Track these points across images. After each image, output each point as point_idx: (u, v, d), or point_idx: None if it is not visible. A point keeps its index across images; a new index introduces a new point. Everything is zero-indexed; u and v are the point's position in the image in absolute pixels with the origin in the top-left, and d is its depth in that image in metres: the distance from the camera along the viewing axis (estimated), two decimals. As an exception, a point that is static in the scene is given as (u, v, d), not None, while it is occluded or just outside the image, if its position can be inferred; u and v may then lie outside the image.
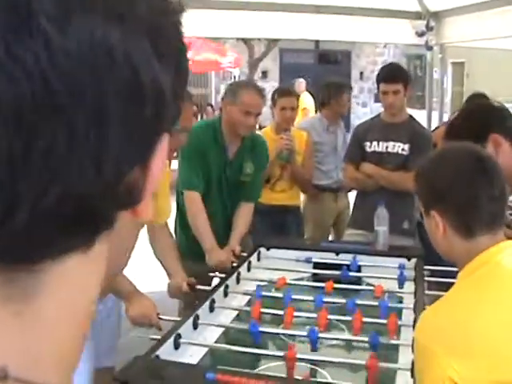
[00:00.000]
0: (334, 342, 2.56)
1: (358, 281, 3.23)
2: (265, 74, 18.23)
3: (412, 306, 2.66)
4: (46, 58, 0.37)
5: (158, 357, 2.15)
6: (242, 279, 3.16)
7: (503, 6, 4.69)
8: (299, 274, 3.28)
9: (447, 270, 2.44)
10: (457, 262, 1.63)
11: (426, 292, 2.90)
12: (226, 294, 2.92)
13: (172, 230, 3.60)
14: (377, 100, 4.54)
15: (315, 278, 3.28)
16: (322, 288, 2.98)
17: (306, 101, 11.42)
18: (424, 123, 5.27)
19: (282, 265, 3.35)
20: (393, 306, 2.75)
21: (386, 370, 2.27)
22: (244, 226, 3.58)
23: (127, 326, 2.78)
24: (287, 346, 2.51)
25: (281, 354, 2.38)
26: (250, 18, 5.62)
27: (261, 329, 2.44)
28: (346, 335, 2.60)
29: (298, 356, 2.35)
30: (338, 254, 3.46)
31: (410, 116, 4.24)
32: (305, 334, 2.41)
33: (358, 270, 3.31)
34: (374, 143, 4.14)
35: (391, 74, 4.08)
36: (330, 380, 2.23)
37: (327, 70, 15.49)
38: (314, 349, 2.37)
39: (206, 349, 2.42)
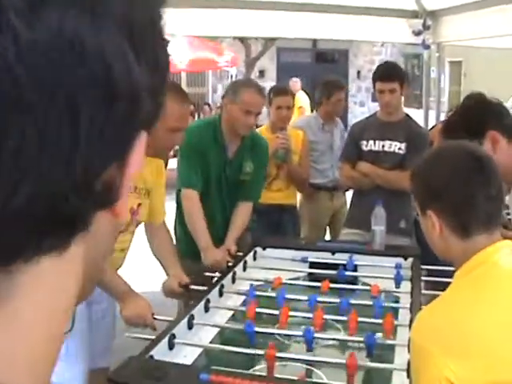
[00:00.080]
0: (330, 342, 2.55)
1: (355, 280, 3.22)
2: (262, 74, 18.21)
3: (408, 305, 2.65)
4: (15, 54, 0.36)
5: (152, 357, 2.14)
6: (237, 279, 3.14)
7: (500, 4, 4.68)
8: (295, 274, 3.27)
9: (444, 269, 2.43)
10: (453, 261, 1.61)
11: (423, 292, 2.89)
12: (221, 294, 2.90)
13: (172, 228, 3.59)
14: (374, 99, 4.55)
15: (311, 277, 3.27)
16: (318, 288, 2.96)
17: (302, 100, 11.43)
18: (421, 122, 5.26)
19: (277, 264, 3.34)
20: (388, 305, 2.73)
21: (382, 371, 2.27)
22: (241, 226, 3.57)
23: (122, 327, 2.77)
24: (284, 346, 2.51)
25: (261, 352, 2.37)
26: (247, 17, 5.60)
27: (256, 329, 2.42)
28: (342, 335, 2.58)
29: (294, 356, 2.34)
30: (334, 253, 3.45)
31: (407, 115, 4.23)
32: (300, 333, 2.40)
33: (355, 269, 3.30)
34: (371, 142, 4.12)
35: (387, 73, 4.07)
36: (325, 380, 2.22)
37: (324, 69, 15.45)
38: (310, 349, 2.35)
39: (200, 349, 2.41)
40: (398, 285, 3.05)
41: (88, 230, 0.44)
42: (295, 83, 12.01)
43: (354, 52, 19.25)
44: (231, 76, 14.55)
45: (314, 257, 3.43)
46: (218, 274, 3.11)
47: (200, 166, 3.44)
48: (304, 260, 3.41)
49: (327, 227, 5.03)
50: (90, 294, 0.54)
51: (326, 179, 4.84)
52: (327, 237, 5.02)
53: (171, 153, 8.29)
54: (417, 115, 4.92)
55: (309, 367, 2.29)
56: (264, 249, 3.55)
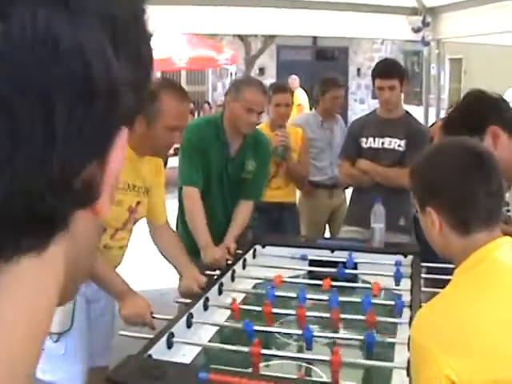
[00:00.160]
0: (330, 340, 2.53)
1: (354, 278, 3.21)
2: (262, 71, 18.20)
3: (408, 303, 2.64)
4: None
5: (150, 356, 2.13)
6: (236, 277, 3.13)
7: (499, 1, 4.67)
8: (295, 272, 3.26)
9: (444, 266, 2.42)
10: (453, 258, 1.60)
11: (423, 289, 2.87)
12: (220, 292, 2.89)
13: (174, 226, 3.59)
14: (374, 96, 4.53)
15: (311, 275, 3.26)
16: (320, 286, 2.95)
17: (301, 97, 11.42)
18: (421, 120, 5.24)
19: (277, 262, 3.33)
20: (375, 302, 2.70)
21: (382, 369, 2.25)
22: (241, 224, 3.55)
23: (121, 325, 2.75)
24: (283, 344, 2.50)
25: (277, 352, 2.37)
26: (247, 15, 5.59)
27: (255, 327, 2.41)
28: (341, 334, 2.57)
29: (294, 355, 2.33)
30: (333, 251, 3.44)
31: (407, 112, 4.21)
32: (299, 332, 2.39)
33: (354, 267, 3.28)
34: (370, 139, 4.11)
35: (386, 70, 4.05)
36: (325, 379, 2.21)
37: (324, 67, 15.44)
38: (309, 347, 2.34)
39: (199, 348, 2.40)
40: (397, 282, 3.04)
41: (68, 230, 0.43)
42: (294, 80, 12.01)
43: (354, 49, 19.23)
44: (231, 74, 14.53)
45: (313, 255, 3.42)
46: (218, 273, 3.10)
47: (201, 163, 3.43)
48: (303, 258, 3.40)
49: (326, 225, 5.02)
50: (74, 294, 0.53)
51: (324, 176, 4.82)
52: (327, 234, 5.01)
53: (171, 151, 8.30)
54: (417, 112, 4.91)
55: (308, 366, 2.28)
56: (263, 247, 3.54)
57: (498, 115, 2.17)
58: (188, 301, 2.68)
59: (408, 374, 1.85)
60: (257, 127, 3.69)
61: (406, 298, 2.75)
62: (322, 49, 19.47)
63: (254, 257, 3.48)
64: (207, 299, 2.71)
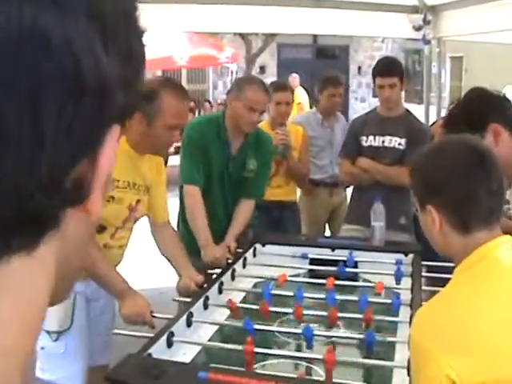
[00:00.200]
0: (330, 339, 2.53)
1: (355, 277, 3.20)
2: (262, 70, 18.18)
3: (409, 301, 2.63)
4: None
5: (150, 355, 2.12)
6: (237, 276, 3.13)
7: (500, -1, 4.67)
8: (295, 271, 3.25)
9: (445, 265, 2.41)
10: (453, 257, 1.59)
11: (424, 288, 2.87)
12: (220, 291, 2.89)
13: (175, 225, 3.58)
14: (375, 95, 4.52)
15: (311, 274, 3.26)
16: (320, 284, 2.94)
17: (301, 96, 11.41)
18: (422, 118, 5.23)
19: (277, 261, 3.32)
20: (372, 300, 2.70)
21: (383, 368, 2.25)
22: (242, 223, 3.54)
23: (122, 324, 2.75)
24: (283, 343, 2.50)
25: (273, 351, 2.37)
26: (247, 13, 5.58)
27: (255, 326, 2.41)
28: (341, 333, 2.57)
29: (293, 354, 2.33)
30: (334, 249, 3.43)
31: (407, 110, 4.21)
32: (300, 331, 2.38)
33: (355, 265, 3.28)
34: (371, 137, 4.10)
35: (387, 68, 4.05)
36: (324, 378, 2.20)
37: (325, 65, 15.42)
38: (309, 346, 2.33)
39: (199, 347, 2.39)
40: (398, 281, 3.03)
41: (59, 229, 0.42)
42: (294, 79, 12.00)
43: (355, 48, 19.22)
44: (232, 72, 14.52)
45: (314, 253, 3.41)
46: (219, 272, 3.09)
47: (202, 162, 3.42)
48: (304, 256, 3.39)
49: (327, 223, 5.02)
50: (67, 293, 0.53)
51: (325, 175, 4.82)
52: (327, 233, 5.00)
53: (172, 149, 8.29)
54: (418, 111, 4.90)
55: (308, 365, 2.27)
56: (264, 245, 3.53)
57: (499, 113, 2.17)
58: (187, 299, 2.68)
59: (408, 374, 1.84)
60: (258, 126, 3.68)
61: (407, 296, 2.74)
62: (322, 47, 19.45)
63: (255, 255, 3.47)
64: (207, 298, 2.71)
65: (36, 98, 0.36)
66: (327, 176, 4.82)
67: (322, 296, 2.71)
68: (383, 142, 4.06)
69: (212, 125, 3.50)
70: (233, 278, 3.10)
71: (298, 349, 2.45)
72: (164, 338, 2.25)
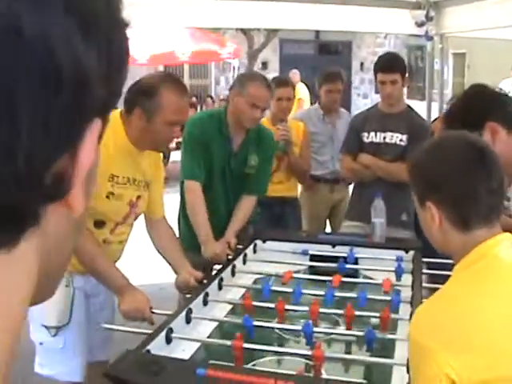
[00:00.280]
0: (330, 336, 2.52)
1: (355, 273, 3.19)
2: (265, 65, 18.16)
3: (409, 298, 2.62)
4: None
5: (149, 351, 2.11)
6: (237, 272, 3.12)
7: (503, -5, 4.65)
8: (296, 267, 3.24)
9: (446, 262, 2.40)
10: (452, 254, 1.58)
11: (424, 285, 2.86)
12: (220, 287, 2.88)
13: (176, 221, 3.57)
14: (377, 91, 4.48)
15: (312, 270, 3.25)
16: (325, 281, 2.94)
17: (301, 91, 11.39)
18: (424, 114, 5.22)
19: (278, 257, 3.31)
20: (371, 297, 2.68)
21: (382, 365, 2.24)
22: (242, 219, 3.53)
23: (122, 320, 2.74)
24: (282, 340, 2.49)
25: (276, 348, 2.36)
26: (249, 8, 5.57)
27: (255, 323, 2.40)
28: (341, 330, 2.56)
29: (293, 351, 2.32)
30: (334, 246, 3.42)
31: (408, 106, 4.19)
32: (299, 328, 2.37)
33: (355, 262, 3.27)
34: (372, 134, 4.09)
35: (388, 64, 4.03)
36: (325, 375, 2.19)
37: (328, 61, 15.39)
38: (309, 343, 2.32)
39: (199, 343, 2.39)
40: (398, 278, 3.02)
41: (39, 225, 0.41)
42: (295, 75, 11.95)
43: (358, 44, 19.18)
44: (234, 68, 14.50)
45: (314, 249, 3.40)
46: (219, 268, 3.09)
47: (203, 157, 3.41)
48: (304, 253, 3.39)
49: (327, 219, 5.00)
50: (51, 291, 0.52)
51: (325, 171, 4.80)
52: (328, 229, 4.99)
53: (173, 145, 8.28)
54: (420, 107, 4.88)
55: (308, 362, 2.26)
56: (264, 242, 3.52)
57: (498, 111, 2.15)
58: (168, 312, 2.63)
59: (408, 371, 1.83)
60: (260, 122, 3.67)
61: (407, 293, 2.74)
62: (325, 43, 19.41)
63: (255, 252, 3.47)
64: (207, 294, 2.70)
65: (10, 90, 0.35)
66: (328, 172, 4.80)
67: (322, 293, 2.70)
68: (384, 138, 4.05)
69: (213, 120, 3.49)
70: (233, 274, 3.09)
71: (298, 346, 2.44)
72: (163, 334, 2.24)
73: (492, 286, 1.48)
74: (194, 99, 14.23)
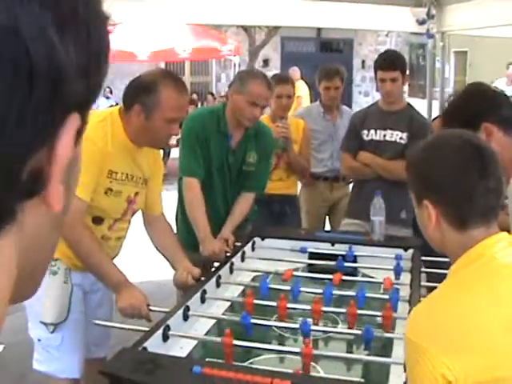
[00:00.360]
0: (328, 334, 2.51)
1: (354, 271, 3.19)
2: (266, 63, 18.15)
3: (408, 297, 2.62)
4: None
5: (145, 349, 2.11)
6: (235, 269, 3.11)
7: (505, -7, 4.63)
8: (294, 265, 3.23)
9: (446, 260, 2.39)
10: (449, 254, 1.57)
11: (423, 283, 2.85)
12: (218, 285, 2.87)
13: (173, 217, 3.56)
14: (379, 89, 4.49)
15: (310, 268, 3.24)
16: (323, 279, 2.93)
17: (301, 89, 11.36)
18: (425, 113, 5.21)
19: (276, 255, 3.30)
20: (369, 296, 2.67)
21: (380, 364, 2.23)
22: (240, 217, 3.52)
23: (120, 317, 2.73)
24: (280, 338, 2.48)
25: (273, 347, 2.36)
26: (251, 5, 5.56)
27: (253, 321, 2.39)
28: (340, 328, 2.55)
29: (291, 349, 2.31)
30: (333, 244, 3.41)
31: (409, 104, 4.19)
32: (297, 326, 2.37)
33: (354, 260, 3.26)
34: (372, 131, 4.08)
35: (388, 62, 4.02)
36: (322, 374, 2.19)
37: (329, 59, 15.34)
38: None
39: (196, 341, 2.38)
40: (397, 276, 3.01)
41: (16, 223, 0.40)
42: (295, 72, 11.92)
43: (359, 41, 19.15)
44: (235, 65, 14.47)
45: (313, 247, 3.40)
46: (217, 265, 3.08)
47: (202, 154, 3.39)
48: (303, 250, 3.38)
49: (327, 217, 4.99)
50: (32, 289, 0.51)
51: (324, 168, 4.78)
52: (327, 227, 4.98)
53: (174, 142, 8.26)
54: (421, 105, 4.87)
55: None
56: (263, 239, 3.51)
57: (493, 112, 2.13)
58: (165, 309, 2.61)
59: (405, 370, 1.83)
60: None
61: (406, 292, 2.73)
62: (326, 40, 19.38)
63: (253, 249, 3.46)
64: (205, 292, 2.69)
65: None
66: (327, 170, 4.78)
67: (320, 291, 2.69)
68: (384, 136, 4.04)
69: (212, 117, 3.47)
70: (231, 271, 3.08)
71: (296, 344, 2.43)
72: (160, 331, 2.24)
73: (489, 286, 1.47)
74: (194, 96, 14.22)
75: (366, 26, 7.05)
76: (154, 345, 2.15)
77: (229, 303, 2.79)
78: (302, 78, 12.16)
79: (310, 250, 3.38)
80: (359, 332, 2.31)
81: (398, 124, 4.01)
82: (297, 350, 2.16)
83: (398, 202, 3.87)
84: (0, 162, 0.36)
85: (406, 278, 2.95)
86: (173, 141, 6.07)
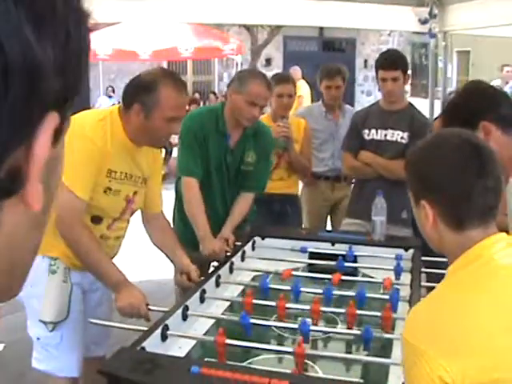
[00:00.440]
0: (327, 335, 2.51)
1: (354, 271, 3.18)
2: (268, 62, 18.13)
3: (408, 297, 2.61)
4: None
5: (143, 349, 2.10)
6: (235, 269, 3.11)
7: (507, -8, 4.61)
8: (295, 264, 3.22)
9: (445, 261, 2.38)
10: (447, 254, 1.56)
11: (423, 284, 2.84)
12: (217, 285, 2.86)
13: (171, 217, 3.56)
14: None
15: (310, 268, 3.23)
16: (323, 279, 2.92)
17: (302, 88, 11.35)
18: (427, 112, 5.19)
19: (277, 255, 3.30)
20: (369, 296, 2.67)
21: (379, 365, 2.23)
22: (239, 216, 3.51)
23: (119, 317, 2.73)
24: (279, 338, 2.48)
25: (272, 347, 2.35)
26: (253, 4, 5.56)
27: (252, 321, 2.38)
28: (339, 328, 2.54)
29: (289, 350, 2.30)
30: (333, 244, 3.41)
31: (410, 103, 4.18)
32: (296, 326, 2.36)
33: (355, 260, 3.25)
34: (373, 131, 4.07)
35: (390, 61, 4.01)
36: (321, 374, 2.18)
37: (331, 58, 15.32)
38: (306, 341, 2.31)
39: (195, 341, 2.38)
40: (397, 276, 3.00)
41: None
42: (296, 71, 11.89)
43: (362, 41, 19.12)
44: (237, 64, 14.47)
45: (313, 247, 3.39)
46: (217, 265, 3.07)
47: (200, 153, 3.39)
48: (303, 250, 3.37)
49: (328, 217, 4.98)
50: (13, 289, 0.50)
51: (325, 168, 4.77)
52: (328, 227, 4.97)
53: (176, 141, 8.28)
54: (424, 105, 4.86)
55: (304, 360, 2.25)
56: (263, 239, 3.51)
57: (492, 111, 2.11)
58: (164, 309, 2.61)
59: (404, 371, 1.82)
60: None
61: (406, 292, 2.72)
62: (328, 40, 19.35)
63: (254, 249, 3.45)
64: (204, 291, 2.68)
65: None
66: (328, 169, 4.77)
67: (320, 291, 2.68)
68: (385, 135, 4.03)
69: (211, 116, 3.47)
70: (231, 271, 3.07)
71: (294, 344, 2.42)
72: (158, 331, 2.23)
73: (488, 287, 1.45)
74: (196, 95, 14.22)
75: (368, 26, 7.04)
76: (152, 344, 2.15)
77: (228, 303, 2.78)
78: (303, 78, 12.14)
79: (310, 249, 3.37)
80: (358, 332, 2.30)
81: (399, 123, 4.00)
82: (291, 349, 2.15)
83: (399, 201, 3.85)
84: None
85: (406, 278, 2.94)
86: (175, 140, 6.08)
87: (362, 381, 2.11)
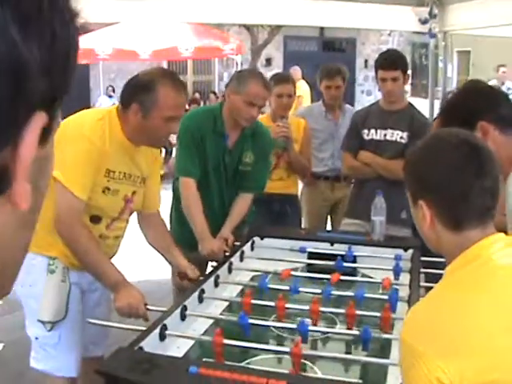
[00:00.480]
0: (326, 335, 2.50)
1: (354, 272, 3.17)
2: (268, 62, 18.12)
3: (406, 298, 2.60)
4: None
5: (141, 348, 2.10)
6: (234, 269, 3.10)
7: (507, -8, 4.61)
8: (294, 265, 3.22)
9: (444, 261, 2.38)
10: (445, 254, 1.55)
11: (422, 284, 2.84)
12: (216, 285, 2.86)
13: (167, 217, 3.55)
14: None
15: (310, 268, 3.23)
16: (322, 279, 2.92)
17: (302, 88, 11.34)
18: (427, 112, 5.19)
19: (276, 255, 3.29)
20: (368, 296, 2.66)
21: (378, 365, 2.22)
22: (238, 216, 3.51)
23: (118, 317, 2.73)
24: (277, 338, 2.47)
25: (270, 347, 2.35)
26: (253, 4, 5.55)
27: (251, 321, 2.38)
28: (338, 328, 2.54)
29: (287, 350, 2.30)
30: (333, 244, 3.40)
31: (410, 103, 4.17)
32: (295, 326, 2.36)
33: (354, 260, 3.25)
34: (372, 131, 4.07)
35: (389, 61, 4.01)
36: (320, 375, 2.18)
37: (332, 58, 15.31)
38: (304, 342, 2.30)
39: (193, 341, 2.37)
40: (397, 276, 3.00)
41: None
42: (296, 71, 11.89)
43: (362, 41, 19.11)
44: (237, 64, 14.47)
45: (312, 247, 3.38)
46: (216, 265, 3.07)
47: (198, 154, 3.38)
48: (302, 250, 3.37)
49: (328, 217, 4.98)
50: (6, 287, 0.50)
51: (325, 168, 4.76)
52: (328, 227, 4.97)
53: (176, 141, 8.29)
54: (424, 105, 4.85)
55: (303, 361, 2.24)
56: (262, 239, 3.50)
57: (491, 109, 2.10)
58: (163, 309, 2.61)
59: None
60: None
61: (405, 292, 2.72)
62: (329, 40, 19.34)
63: (253, 249, 3.45)
64: (203, 291, 2.68)
65: None
66: (327, 169, 4.77)
67: (319, 291, 2.68)
68: (385, 135, 4.03)
69: (209, 116, 3.46)
70: (229, 271, 3.07)
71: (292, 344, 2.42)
72: (157, 331, 2.23)
73: (486, 287, 1.45)
74: (197, 95, 14.21)
75: (368, 26, 7.05)
76: (150, 344, 2.14)
77: (227, 303, 2.78)
78: (303, 78, 12.14)
79: (309, 249, 3.37)
80: (357, 332, 2.30)
81: (398, 123, 4.00)
82: (289, 350, 2.15)
83: (399, 201, 3.83)
84: None
85: (405, 278, 2.94)
86: (174, 140, 6.08)
87: (360, 381, 2.10)
